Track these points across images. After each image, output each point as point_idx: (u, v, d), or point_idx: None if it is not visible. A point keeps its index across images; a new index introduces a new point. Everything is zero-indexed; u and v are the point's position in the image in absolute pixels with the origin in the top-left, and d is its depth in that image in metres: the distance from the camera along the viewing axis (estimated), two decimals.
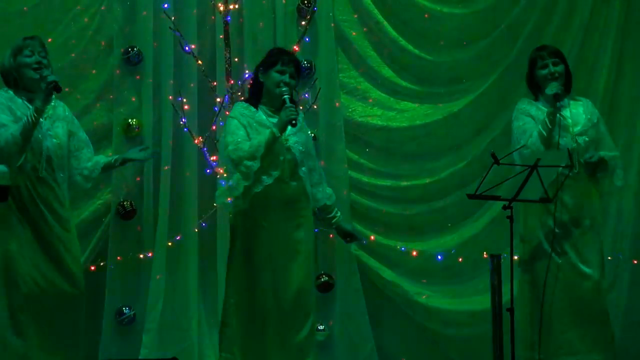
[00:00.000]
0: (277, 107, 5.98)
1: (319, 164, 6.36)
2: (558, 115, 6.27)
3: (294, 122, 5.81)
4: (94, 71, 7.01)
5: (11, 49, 5.92)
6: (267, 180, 5.93)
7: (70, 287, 5.86)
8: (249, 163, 5.87)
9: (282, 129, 5.87)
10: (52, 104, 5.96)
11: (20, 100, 5.86)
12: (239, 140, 5.91)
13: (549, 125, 6.24)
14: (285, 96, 5.91)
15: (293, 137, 6.02)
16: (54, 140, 5.89)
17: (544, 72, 6.38)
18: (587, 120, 6.39)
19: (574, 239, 6.32)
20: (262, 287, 5.95)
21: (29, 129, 5.72)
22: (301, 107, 6.74)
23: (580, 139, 6.31)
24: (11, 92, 5.89)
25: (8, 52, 5.93)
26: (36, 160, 5.81)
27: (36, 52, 5.89)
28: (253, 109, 6.04)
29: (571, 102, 6.44)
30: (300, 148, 6.03)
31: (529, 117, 6.37)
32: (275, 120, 5.95)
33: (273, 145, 5.88)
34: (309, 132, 6.29)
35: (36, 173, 5.82)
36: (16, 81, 5.91)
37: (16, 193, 5.78)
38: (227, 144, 5.94)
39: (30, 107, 5.75)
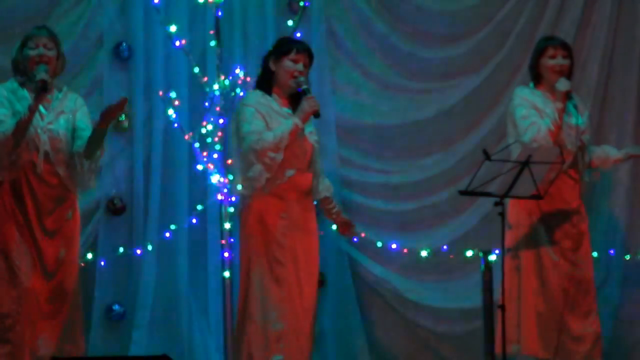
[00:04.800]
0: (287, 96, 5.91)
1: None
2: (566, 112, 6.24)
3: (317, 112, 5.76)
4: (83, 66, 6.98)
5: (21, 39, 5.85)
6: (290, 172, 5.87)
7: None
8: (272, 155, 5.77)
9: (305, 120, 5.81)
10: (60, 96, 5.89)
11: (25, 93, 5.79)
12: (260, 130, 5.79)
13: (558, 122, 6.19)
14: (304, 87, 5.83)
15: (308, 127, 5.95)
16: (53, 134, 5.82)
17: (552, 62, 6.30)
18: (588, 118, 6.40)
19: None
20: (288, 280, 5.85)
21: (23, 128, 5.65)
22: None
23: (584, 138, 6.33)
24: (16, 84, 5.81)
25: (19, 42, 5.87)
26: (34, 156, 5.77)
27: (41, 45, 5.81)
28: (269, 97, 5.92)
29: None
30: (315, 138, 5.99)
31: (534, 110, 6.26)
32: (288, 110, 5.89)
33: (295, 137, 5.81)
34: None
35: (34, 169, 5.78)
36: (25, 72, 5.83)
37: (12, 188, 5.75)
38: (246, 134, 5.80)
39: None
